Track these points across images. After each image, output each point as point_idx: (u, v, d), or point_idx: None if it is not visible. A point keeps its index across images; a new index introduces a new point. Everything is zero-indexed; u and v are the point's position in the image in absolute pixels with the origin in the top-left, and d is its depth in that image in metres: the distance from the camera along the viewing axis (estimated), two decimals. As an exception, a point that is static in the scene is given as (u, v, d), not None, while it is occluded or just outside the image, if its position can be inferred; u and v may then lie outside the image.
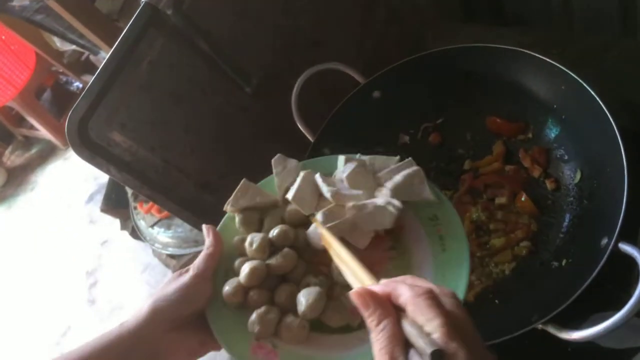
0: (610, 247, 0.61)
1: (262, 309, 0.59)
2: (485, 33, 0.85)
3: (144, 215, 1.51)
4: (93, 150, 0.82)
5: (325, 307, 0.59)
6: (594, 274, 0.61)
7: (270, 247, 0.63)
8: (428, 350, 0.39)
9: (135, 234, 1.58)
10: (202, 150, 0.94)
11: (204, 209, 0.93)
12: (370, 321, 0.43)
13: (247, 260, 0.63)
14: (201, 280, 0.61)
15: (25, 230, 2.94)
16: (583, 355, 0.72)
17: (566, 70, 0.73)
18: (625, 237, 0.61)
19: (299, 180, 0.66)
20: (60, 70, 2.46)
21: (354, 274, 0.52)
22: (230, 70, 0.94)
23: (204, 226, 0.65)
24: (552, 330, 0.62)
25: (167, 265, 1.54)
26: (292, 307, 0.60)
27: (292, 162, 0.68)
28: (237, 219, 0.67)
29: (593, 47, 0.89)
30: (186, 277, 0.60)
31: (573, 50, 0.88)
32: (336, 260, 0.57)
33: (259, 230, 0.66)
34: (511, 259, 0.78)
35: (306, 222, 0.66)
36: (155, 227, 1.48)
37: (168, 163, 0.91)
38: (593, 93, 0.71)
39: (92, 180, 2.84)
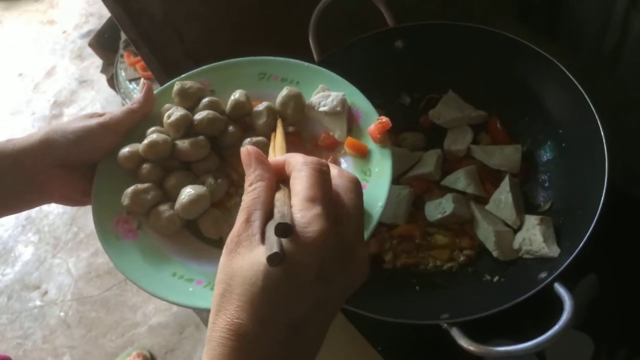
0: (546, 282, 0.60)
1: (144, 185, 0.55)
2: (532, 36, 0.80)
3: (127, 66, 1.45)
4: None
5: (207, 213, 0.55)
6: (520, 299, 0.60)
7: (187, 129, 0.57)
8: (276, 221, 0.35)
9: (112, 82, 1.52)
10: (207, 24, 0.89)
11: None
12: (246, 181, 0.40)
13: (158, 131, 0.58)
14: (108, 132, 0.56)
15: (16, 39, 2.85)
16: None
17: (589, 103, 0.69)
18: (562, 280, 0.60)
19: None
20: None
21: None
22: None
23: (142, 80, 0.60)
24: (454, 333, 0.60)
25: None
26: (176, 197, 0.56)
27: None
28: (175, 87, 0.60)
29: (627, 100, 0.85)
30: (93, 122, 0.55)
31: (606, 90, 0.84)
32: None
33: (191, 109, 0.59)
34: (447, 259, 0.76)
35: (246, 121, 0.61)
36: (132, 83, 1.42)
37: (168, 18, 0.85)
38: (604, 139, 0.67)
39: (97, 18, 2.75)
